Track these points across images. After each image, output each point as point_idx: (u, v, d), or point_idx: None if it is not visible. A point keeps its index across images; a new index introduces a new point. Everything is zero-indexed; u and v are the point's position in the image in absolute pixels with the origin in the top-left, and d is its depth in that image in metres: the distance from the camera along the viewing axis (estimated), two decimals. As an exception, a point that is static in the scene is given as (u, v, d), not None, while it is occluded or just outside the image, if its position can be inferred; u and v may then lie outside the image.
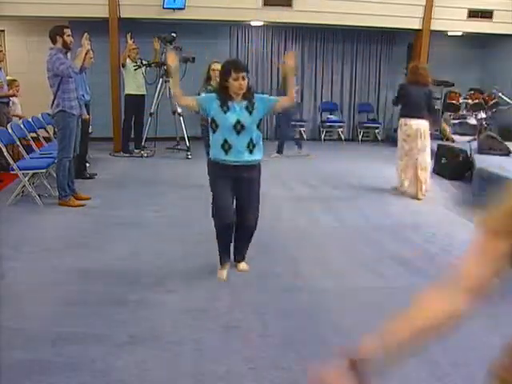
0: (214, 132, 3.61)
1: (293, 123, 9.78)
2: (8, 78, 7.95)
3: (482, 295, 1.08)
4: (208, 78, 5.70)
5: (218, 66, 5.17)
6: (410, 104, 6.32)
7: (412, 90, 6.33)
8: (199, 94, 4.71)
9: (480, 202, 6.03)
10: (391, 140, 11.17)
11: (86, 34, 5.70)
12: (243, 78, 3.47)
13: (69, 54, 5.67)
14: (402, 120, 6.46)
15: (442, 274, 1.12)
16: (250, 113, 3.56)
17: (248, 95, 3.58)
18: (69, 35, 5.44)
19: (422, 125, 6.31)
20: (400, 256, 4.43)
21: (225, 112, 3.54)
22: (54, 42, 5.42)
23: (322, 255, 4.35)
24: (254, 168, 3.67)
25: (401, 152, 6.50)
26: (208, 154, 4.04)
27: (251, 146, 3.57)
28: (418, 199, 6.30)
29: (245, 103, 3.58)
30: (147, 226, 5.05)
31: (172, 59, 3.71)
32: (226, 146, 3.54)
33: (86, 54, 5.80)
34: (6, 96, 7.37)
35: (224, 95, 3.57)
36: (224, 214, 3.64)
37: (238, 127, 3.53)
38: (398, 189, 6.56)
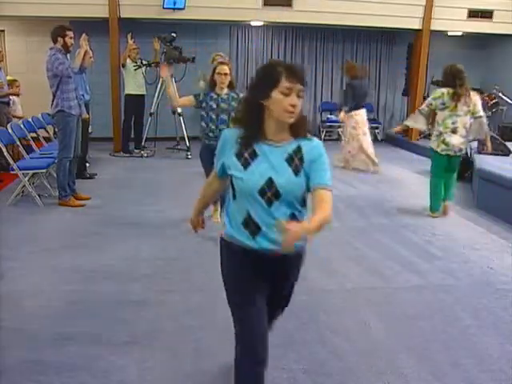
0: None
1: None
2: (8, 78, 7.95)
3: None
4: (213, 84, 4.58)
5: (225, 69, 4.53)
6: (359, 97, 7.59)
7: (357, 85, 7.60)
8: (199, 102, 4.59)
9: (480, 202, 6.03)
10: (391, 140, 11.18)
11: (84, 34, 5.71)
12: (299, 96, 1.89)
13: (68, 55, 5.67)
14: (354, 112, 7.59)
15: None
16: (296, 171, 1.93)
17: (301, 132, 1.97)
18: (71, 37, 5.44)
19: (365, 113, 7.69)
20: (400, 256, 4.43)
21: (245, 165, 1.95)
22: (54, 41, 5.42)
23: (322, 255, 4.34)
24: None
25: (350, 138, 7.73)
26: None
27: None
28: (376, 171, 7.60)
29: (291, 147, 1.95)
30: (147, 226, 5.05)
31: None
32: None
33: (85, 54, 5.80)
34: (8, 94, 7.36)
35: (251, 129, 1.96)
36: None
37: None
38: (348, 165, 7.80)
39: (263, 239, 1.94)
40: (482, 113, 5.48)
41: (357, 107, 7.65)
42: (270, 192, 1.90)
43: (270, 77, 1.87)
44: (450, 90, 5.42)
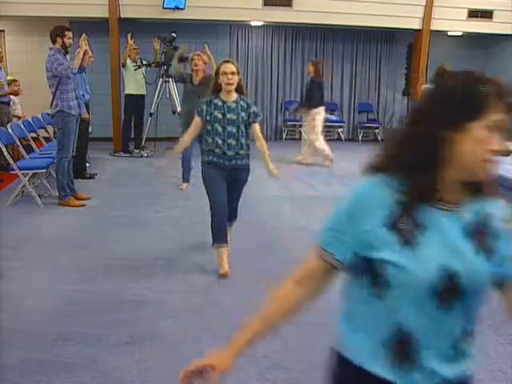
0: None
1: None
2: (8, 77, 7.95)
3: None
4: (217, 89, 3.80)
5: (230, 67, 3.69)
6: (323, 95, 8.36)
7: (321, 84, 8.26)
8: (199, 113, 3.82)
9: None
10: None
11: (84, 34, 5.71)
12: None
13: (68, 55, 5.67)
14: (321, 108, 8.20)
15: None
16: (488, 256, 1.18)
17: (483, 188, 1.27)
18: (69, 38, 5.45)
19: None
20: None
21: (409, 243, 1.14)
22: (53, 42, 5.43)
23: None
24: None
25: (318, 135, 8.21)
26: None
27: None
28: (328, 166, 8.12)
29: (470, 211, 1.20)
30: (147, 226, 5.05)
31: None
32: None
33: (85, 54, 5.81)
34: (8, 94, 7.36)
35: (423, 181, 1.15)
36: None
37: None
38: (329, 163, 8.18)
39: (421, 374, 1.14)
40: None
41: (321, 105, 8.27)
42: (447, 291, 1.12)
43: (468, 99, 1.11)
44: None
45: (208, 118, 3.71)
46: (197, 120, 3.77)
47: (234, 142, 3.72)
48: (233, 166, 3.78)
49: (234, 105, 3.71)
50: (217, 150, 3.73)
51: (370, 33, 10.89)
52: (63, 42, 5.41)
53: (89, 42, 5.84)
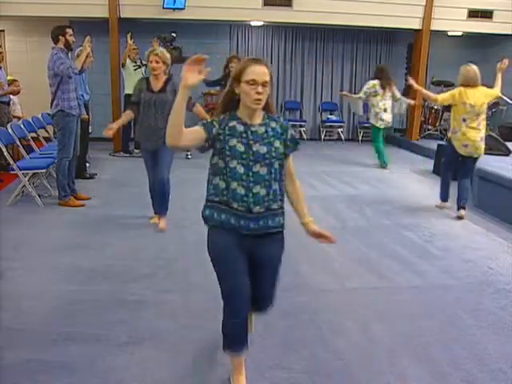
0: None
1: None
2: (8, 77, 7.95)
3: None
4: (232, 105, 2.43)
5: (263, 71, 2.26)
6: None
7: None
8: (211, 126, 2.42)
9: (480, 202, 6.03)
10: (391, 140, 11.19)
11: (88, 36, 5.72)
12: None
13: (69, 54, 5.67)
14: None
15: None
16: None
17: None
18: (71, 35, 5.46)
19: None
20: (400, 256, 4.43)
21: None
22: (55, 41, 5.43)
23: (322, 255, 4.34)
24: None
25: None
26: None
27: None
28: None
29: None
30: (147, 226, 5.05)
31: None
32: None
33: (87, 56, 5.81)
34: (8, 93, 7.36)
35: None
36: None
37: None
38: None
39: None
40: (399, 95, 7.98)
41: None
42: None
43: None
44: (379, 82, 7.69)
45: (218, 145, 2.29)
46: (198, 130, 2.29)
47: (263, 191, 2.31)
48: (260, 230, 2.36)
49: (262, 129, 2.32)
50: (234, 205, 2.30)
51: (369, 33, 10.89)
52: (66, 39, 5.41)
53: (90, 43, 5.84)
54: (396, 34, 11.05)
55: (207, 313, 3.28)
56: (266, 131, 2.33)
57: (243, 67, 2.26)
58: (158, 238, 4.72)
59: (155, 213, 5.09)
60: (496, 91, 5.60)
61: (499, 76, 5.67)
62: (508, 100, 9.40)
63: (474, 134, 5.43)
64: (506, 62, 5.69)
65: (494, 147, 7.22)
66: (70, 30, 5.46)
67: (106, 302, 3.42)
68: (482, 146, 5.52)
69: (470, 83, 5.41)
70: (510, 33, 10.10)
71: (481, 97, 5.42)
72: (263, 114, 2.36)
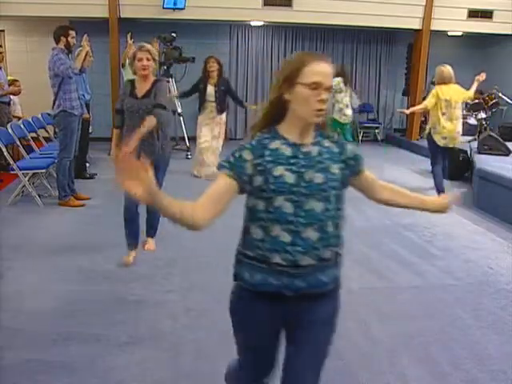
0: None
1: None
2: (9, 78, 7.95)
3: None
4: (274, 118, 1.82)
5: (326, 70, 1.61)
6: None
7: None
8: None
9: (480, 202, 6.03)
10: (391, 140, 11.19)
11: (85, 35, 5.73)
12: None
13: (70, 55, 5.68)
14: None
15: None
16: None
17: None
18: (73, 37, 5.50)
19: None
20: (400, 256, 4.43)
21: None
22: (57, 41, 5.44)
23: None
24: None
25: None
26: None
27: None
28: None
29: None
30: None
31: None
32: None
33: (86, 55, 5.82)
34: (9, 93, 7.36)
35: None
36: None
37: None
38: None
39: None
40: (352, 93, 8.28)
41: None
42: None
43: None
44: (342, 79, 7.72)
45: (260, 182, 1.63)
46: (222, 181, 1.66)
47: (316, 236, 1.66)
48: (310, 289, 1.69)
49: (315, 150, 1.69)
50: (275, 259, 1.65)
51: (369, 33, 10.89)
52: (67, 41, 5.43)
53: (89, 43, 5.85)
54: (396, 33, 11.05)
55: (207, 313, 3.28)
56: (320, 153, 1.67)
57: (301, 64, 1.61)
58: (157, 238, 4.71)
59: (130, 248, 4.06)
60: (470, 93, 6.27)
61: (475, 85, 6.38)
62: (508, 100, 9.42)
63: (451, 127, 6.07)
64: (483, 75, 6.41)
65: (494, 147, 7.22)
66: (72, 32, 5.48)
67: (106, 302, 3.41)
68: (458, 137, 6.22)
69: (444, 81, 6.07)
70: (509, 33, 10.11)
71: (454, 93, 6.09)
72: (316, 134, 1.71)
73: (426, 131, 6.37)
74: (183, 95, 7.38)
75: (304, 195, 1.62)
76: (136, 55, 3.83)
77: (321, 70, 1.60)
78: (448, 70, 6.11)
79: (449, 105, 6.04)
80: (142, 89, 3.88)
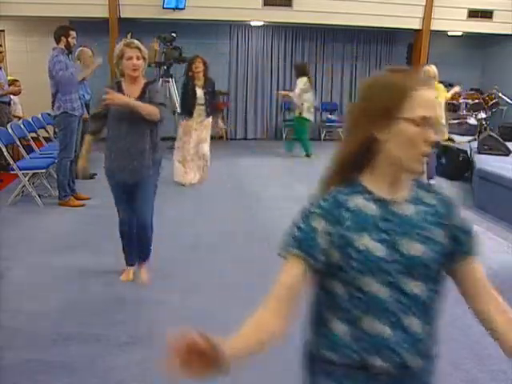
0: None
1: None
2: (9, 78, 7.95)
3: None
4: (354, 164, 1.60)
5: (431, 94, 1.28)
6: None
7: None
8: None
9: (480, 202, 6.03)
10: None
11: (100, 58, 5.78)
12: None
13: (70, 56, 5.69)
14: None
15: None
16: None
17: None
18: (73, 38, 5.51)
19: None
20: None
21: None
22: (57, 41, 5.45)
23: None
24: None
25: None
26: None
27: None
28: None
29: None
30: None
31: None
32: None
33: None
34: (9, 93, 7.36)
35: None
36: None
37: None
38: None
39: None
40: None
41: None
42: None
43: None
44: (307, 78, 8.44)
45: (337, 257, 1.19)
46: (291, 269, 1.24)
47: (419, 326, 1.35)
48: None
49: (411, 209, 1.22)
50: (375, 362, 1.22)
51: (369, 33, 10.89)
52: (67, 41, 5.45)
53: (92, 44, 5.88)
54: (396, 33, 11.05)
55: (206, 313, 3.28)
56: (419, 212, 1.22)
57: (405, 91, 1.15)
58: (157, 238, 4.71)
59: (128, 263, 3.75)
60: (448, 95, 6.89)
61: (453, 90, 7.20)
62: (508, 100, 9.42)
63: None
64: (456, 89, 7.25)
65: (494, 147, 7.22)
66: (73, 33, 5.50)
67: (106, 302, 3.41)
68: (443, 131, 6.66)
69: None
70: (509, 33, 10.11)
71: (439, 93, 6.32)
72: (417, 187, 1.26)
73: None
74: (186, 106, 6.57)
75: (401, 272, 1.18)
76: (124, 53, 3.26)
77: (430, 99, 1.17)
78: (433, 69, 6.36)
79: None
80: (131, 92, 3.35)
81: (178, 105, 8.37)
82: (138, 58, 3.28)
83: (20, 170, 5.67)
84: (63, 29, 5.50)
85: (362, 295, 1.18)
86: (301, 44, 11.07)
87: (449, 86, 8.15)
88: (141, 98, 3.34)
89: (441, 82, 6.92)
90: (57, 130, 6.07)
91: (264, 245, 4.54)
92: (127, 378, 2.61)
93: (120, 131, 3.38)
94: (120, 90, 3.37)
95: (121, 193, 3.57)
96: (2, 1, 8.25)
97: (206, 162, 6.70)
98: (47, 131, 7.48)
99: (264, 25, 10.43)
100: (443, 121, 6.58)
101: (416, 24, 9.81)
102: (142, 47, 3.31)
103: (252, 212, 5.50)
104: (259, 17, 9.55)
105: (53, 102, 5.51)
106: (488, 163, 6.28)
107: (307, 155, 8.89)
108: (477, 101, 9.31)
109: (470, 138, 8.37)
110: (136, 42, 3.35)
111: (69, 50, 5.53)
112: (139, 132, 3.36)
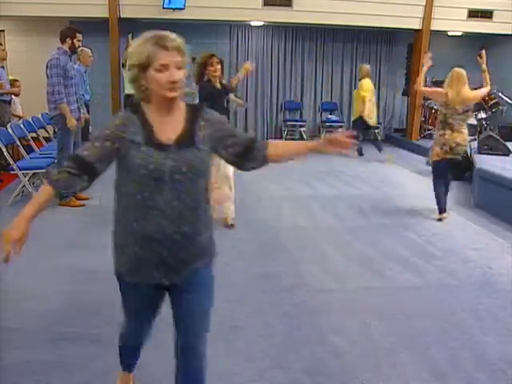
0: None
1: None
2: (10, 77, 7.95)
3: None
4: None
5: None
6: None
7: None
8: None
9: (480, 202, 6.03)
10: (391, 140, 11.19)
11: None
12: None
13: (72, 57, 5.71)
14: None
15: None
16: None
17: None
18: (79, 40, 5.53)
19: None
20: (400, 256, 4.43)
21: None
22: (62, 41, 5.46)
23: (322, 255, 4.35)
24: None
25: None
26: None
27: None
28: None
29: None
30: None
31: None
32: None
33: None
34: (9, 93, 7.36)
35: None
36: None
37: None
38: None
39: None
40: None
41: None
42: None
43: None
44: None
45: None
46: None
47: None
48: None
49: None
50: None
51: (369, 33, 10.89)
52: (73, 43, 5.47)
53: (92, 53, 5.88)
54: (396, 33, 11.05)
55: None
56: None
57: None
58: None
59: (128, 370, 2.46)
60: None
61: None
62: (508, 100, 9.42)
63: None
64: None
65: (494, 147, 7.22)
66: (79, 35, 5.52)
67: (106, 302, 3.41)
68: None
69: None
70: (509, 33, 10.11)
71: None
72: None
73: None
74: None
75: None
76: (154, 59, 1.77)
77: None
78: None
79: None
80: (164, 131, 1.83)
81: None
82: (178, 67, 1.79)
83: (20, 170, 5.67)
84: (70, 30, 5.52)
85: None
86: (301, 44, 11.07)
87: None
88: (187, 141, 1.84)
89: (440, 83, 6.84)
90: (56, 129, 6.07)
91: (265, 243, 4.54)
92: (127, 377, 2.60)
93: (156, 198, 1.81)
94: (145, 125, 1.82)
95: (141, 300, 2.09)
96: (2, 1, 8.25)
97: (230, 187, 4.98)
98: (47, 131, 7.49)
99: (264, 25, 10.43)
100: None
101: (416, 24, 9.80)
102: (184, 48, 1.88)
103: (254, 211, 5.50)
104: (259, 17, 9.55)
105: (48, 101, 5.51)
106: (488, 163, 6.28)
107: None
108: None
109: (470, 138, 8.37)
110: (173, 36, 1.85)
111: (72, 51, 5.56)
112: (192, 197, 1.85)
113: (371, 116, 8.85)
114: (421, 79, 5.69)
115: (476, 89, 5.71)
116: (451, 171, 5.65)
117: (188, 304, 2.02)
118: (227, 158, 1.95)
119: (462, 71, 5.62)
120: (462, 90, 5.44)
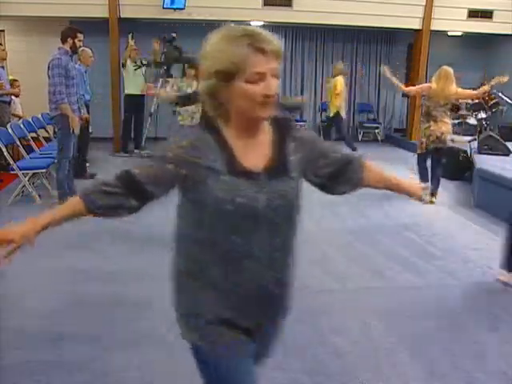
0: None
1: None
2: (9, 77, 7.95)
3: None
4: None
5: None
6: None
7: None
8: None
9: (480, 202, 6.03)
10: (391, 140, 11.19)
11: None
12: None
13: (73, 57, 5.72)
14: None
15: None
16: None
17: None
18: (80, 40, 5.53)
19: None
20: (400, 256, 4.42)
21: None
22: (63, 41, 5.46)
23: (322, 255, 4.34)
24: None
25: None
26: None
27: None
28: None
29: None
30: (147, 227, 5.04)
31: None
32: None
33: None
34: (8, 94, 7.37)
35: None
36: None
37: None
38: None
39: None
40: None
41: None
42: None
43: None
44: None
45: None
46: None
47: None
48: None
49: None
50: None
51: (369, 33, 10.89)
52: (74, 43, 5.46)
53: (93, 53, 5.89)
54: (396, 33, 11.05)
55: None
56: None
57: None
58: (157, 239, 4.71)
59: None
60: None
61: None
62: (508, 100, 9.41)
63: None
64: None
65: (494, 147, 7.22)
66: (80, 35, 5.52)
67: (106, 302, 3.41)
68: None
69: None
70: (509, 33, 10.11)
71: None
72: None
73: None
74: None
75: None
76: (248, 64, 1.32)
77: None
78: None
79: None
80: (249, 158, 1.43)
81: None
82: (274, 76, 1.37)
83: (20, 169, 5.67)
84: (71, 30, 5.51)
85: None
86: (301, 44, 11.08)
87: (481, 85, 8.06)
88: (278, 169, 1.48)
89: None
90: (56, 129, 6.07)
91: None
92: (127, 378, 2.60)
93: (248, 246, 1.47)
94: (225, 148, 1.42)
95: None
96: (2, 1, 8.25)
97: None
98: (47, 131, 7.49)
99: (264, 25, 10.41)
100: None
101: (416, 24, 9.80)
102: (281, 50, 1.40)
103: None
104: (259, 17, 9.54)
105: (49, 101, 5.51)
106: (488, 163, 6.28)
107: None
108: (477, 101, 9.29)
109: (470, 138, 8.37)
110: (270, 36, 1.36)
111: (73, 51, 5.55)
112: (285, 237, 1.68)
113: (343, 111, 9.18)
114: (398, 83, 6.39)
115: (469, 89, 6.28)
116: (440, 160, 6.15)
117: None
118: (316, 183, 1.64)
119: (450, 70, 6.00)
120: (449, 88, 5.89)
